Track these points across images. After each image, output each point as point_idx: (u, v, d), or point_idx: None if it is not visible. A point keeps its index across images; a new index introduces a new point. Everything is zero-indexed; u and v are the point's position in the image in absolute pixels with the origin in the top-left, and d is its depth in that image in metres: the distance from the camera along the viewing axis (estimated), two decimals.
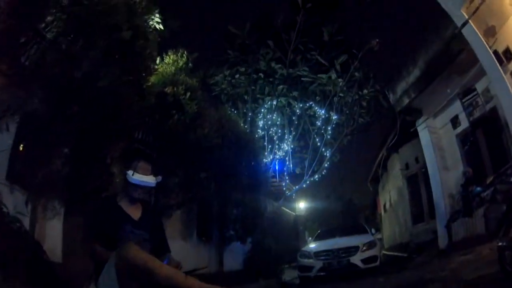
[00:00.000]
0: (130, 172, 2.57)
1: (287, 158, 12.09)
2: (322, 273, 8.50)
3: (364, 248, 8.52)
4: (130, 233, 2.49)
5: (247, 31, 10.68)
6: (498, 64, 5.71)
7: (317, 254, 8.86)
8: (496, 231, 4.84)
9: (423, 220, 10.66)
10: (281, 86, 11.07)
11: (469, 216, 6.74)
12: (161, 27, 4.99)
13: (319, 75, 10.91)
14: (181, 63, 6.26)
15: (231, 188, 7.25)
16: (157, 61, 5.76)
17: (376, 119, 12.01)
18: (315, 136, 11.96)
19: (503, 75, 5.66)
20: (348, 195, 31.55)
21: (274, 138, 11.83)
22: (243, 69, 11.03)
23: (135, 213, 2.64)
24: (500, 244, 3.58)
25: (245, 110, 11.44)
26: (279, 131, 12.09)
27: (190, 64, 6.48)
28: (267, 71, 11.01)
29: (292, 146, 12.11)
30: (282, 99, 11.53)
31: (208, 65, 11.13)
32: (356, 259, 8.29)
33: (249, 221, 9.19)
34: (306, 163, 11.89)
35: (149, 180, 2.62)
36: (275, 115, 11.77)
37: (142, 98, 4.65)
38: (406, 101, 8.91)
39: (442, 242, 7.78)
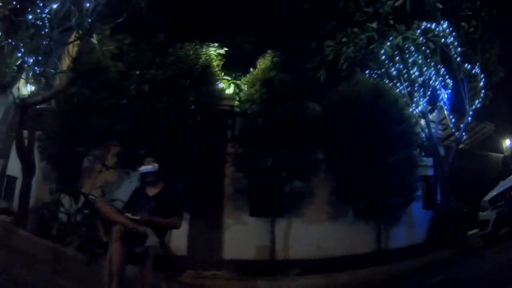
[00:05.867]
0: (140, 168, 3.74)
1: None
2: (497, 228, 5.89)
3: None
4: (143, 204, 3.60)
5: None
6: None
7: (493, 201, 6.05)
8: None
9: None
10: None
11: None
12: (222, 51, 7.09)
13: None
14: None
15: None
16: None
17: None
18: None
19: None
20: None
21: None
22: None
23: (152, 191, 3.71)
24: None
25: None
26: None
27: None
28: None
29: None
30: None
31: None
32: None
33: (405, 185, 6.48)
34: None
35: (147, 168, 3.66)
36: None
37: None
38: None
39: None
